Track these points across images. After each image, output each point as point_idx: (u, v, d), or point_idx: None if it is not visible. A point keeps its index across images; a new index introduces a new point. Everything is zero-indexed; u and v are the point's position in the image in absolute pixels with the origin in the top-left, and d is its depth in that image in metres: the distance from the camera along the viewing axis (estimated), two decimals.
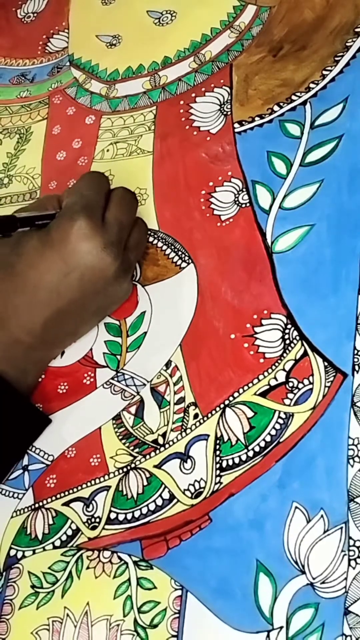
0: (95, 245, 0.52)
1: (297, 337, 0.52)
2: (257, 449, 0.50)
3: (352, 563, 0.45)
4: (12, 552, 0.54)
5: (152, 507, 0.51)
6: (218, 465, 0.51)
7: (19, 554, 0.54)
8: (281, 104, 0.61)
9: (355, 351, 0.50)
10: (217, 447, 0.51)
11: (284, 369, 0.51)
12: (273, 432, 0.50)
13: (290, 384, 0.51)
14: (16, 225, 0.53)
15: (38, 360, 0.57)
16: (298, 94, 0.61)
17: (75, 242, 0.52)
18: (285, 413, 0.50)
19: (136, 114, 0.69)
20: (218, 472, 0.50)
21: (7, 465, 0.56)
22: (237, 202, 0.59)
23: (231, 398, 0.52)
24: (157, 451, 0.53)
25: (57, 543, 0.53)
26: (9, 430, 0.54)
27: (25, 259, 0.53)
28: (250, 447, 0.50)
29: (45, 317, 0.54)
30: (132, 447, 0.54)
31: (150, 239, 0.61)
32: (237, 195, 0.59)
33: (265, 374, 0.52)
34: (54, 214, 0.55)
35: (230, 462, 0.50)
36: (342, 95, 0.59)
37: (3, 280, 0.54)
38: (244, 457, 0.50)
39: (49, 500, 0.55)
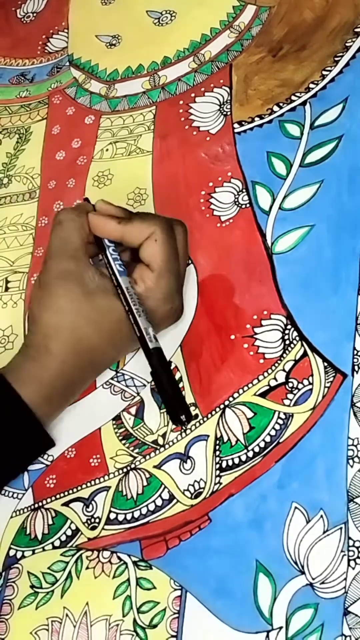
0: (175, 316, 0.55)
1: (297, 338, 0.52)
2: (256, 449, 0.50)
3: (352, 563, 0.45)
4: (12, 552, 0.54)
5: (151, 507, 0.51)
6: (218, 466, 0.51)
7: (19, 554, 0.54)
8: (281, 104, 0.61)
9: (355, 351, 0.50)
10: (217, 447, 0.51)
11: (283, 370, 0.52)
12: (273, 433, 0.50)
13: (290, 385, 0.51)
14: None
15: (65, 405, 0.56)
16: (298, 94, 0.61)
17: (164, 325, 0.55)
18: (285, 413, 0.50)
19: (136, 113, 0.69)
20: (218, 472, 0.50)
21: (6, 478, 0.56)
22: (237, 203, 0.59)
23: (231, 398, 0.52)
24: (157, 451, 0.53)
25: (57, 543, 0.53)
26: (14, 448, 0.54)
27: (105, 334, 0.53)
28: (250, 448, 0.50)
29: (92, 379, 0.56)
30: (132, 448, 0.54)
31: None
32: (237, 196, 0.59)
33: (265, 374, 0.52)
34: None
35: (230, 463, 0.50)
36: (342, 95, 0.59)
37: (75, 352, 0.52)
38: (243, 458, 0.50)
39: (49, 500, 0.55)
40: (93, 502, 0.53)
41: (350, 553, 0.45)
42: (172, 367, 0.55)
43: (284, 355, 0.52)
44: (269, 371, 0.52)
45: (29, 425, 0.52)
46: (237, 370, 0.53)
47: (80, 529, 0.53)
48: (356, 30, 0.61)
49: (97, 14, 0.77)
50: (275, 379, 0.51)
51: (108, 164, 0.67)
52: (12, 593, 0.53)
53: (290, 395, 0.50)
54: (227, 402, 0.52)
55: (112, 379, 0.57)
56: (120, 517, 0.52)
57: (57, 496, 0.55)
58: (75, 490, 0.54)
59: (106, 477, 0.54)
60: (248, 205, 0.58)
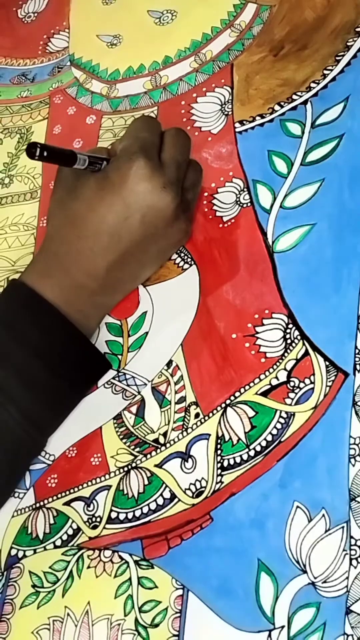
0: (155, 185, 0.52)
1: (299, 337, 0.52)
2: (258, 448, 0.50)
3: (354, 562, 0.44)
4: (13, 552, 0.54)
5: (153, 506, 0.51)
6: (219, 465, 0.50)
7: (20, 554, 0.54)
8: (282, 103, 0.61)
9: (357, 350, 0.49)
10: (218, 446, 0.51)
11: (285, 369, 0.51)
12: (274, 432, 0.50)
13: (292, 384, 0.51)
14: (75, 159, 0.52)
15: (101, 304, 0.58)
16: (299, 93, 0.61)
17: (134, 183, 0.52)
18: (286, 412, 0.50)
19: (137, 113, 0.69)
20: (219, 471, 0.50)
21: (70, 404, 0.56)
22: (238, 202, 0.59)
23: (232, 397, 0.52)
24: (158, 450, 0.53)
25: (58, 542, 0.53)
26: (73, 371, 0.55)
27: (85, 202, 0.54)
28: (251, 447, 0.50)
29: (108, 261, 0.54)
30: (133, 447, 0.54)
31: None
32: (238, 195, 0.59)
33: (267, 373, 0.52)
34: (108, 159, 0.55)
35: (232, 462, 0.50)
36: (343, 94, 0.59)
37: (64, 225, 0.55)
38: (245, 457, 0.50)
39: (50, 499, 0.55)
40: (94, 501, 0.53)
41: (352, 552, 0.45)
42: (173, 366, 0.55)
43: (286, 354, 0.52)
44: (271, 370, 0.52)
45: (84, 349, 0.55)
46: (238, 369, 0.53)
47: (82, 528, 0.53)
48: (357, 29, 0.61)
49: (98, 13, 0.77)
50: (276, 378, 0.51)
51: None
52: (14, 592, 0.53)
53: (291, 394, 0.50)
54: (228, 401, 0.52)
55: (113, 378, 0.57)
56: (122, 516, 0.52)
57: (59, 495, 0.55)
58: (76, 489, 0.54)
59: (107, 476, 0.54)
60: (249, 204, 0.58)
